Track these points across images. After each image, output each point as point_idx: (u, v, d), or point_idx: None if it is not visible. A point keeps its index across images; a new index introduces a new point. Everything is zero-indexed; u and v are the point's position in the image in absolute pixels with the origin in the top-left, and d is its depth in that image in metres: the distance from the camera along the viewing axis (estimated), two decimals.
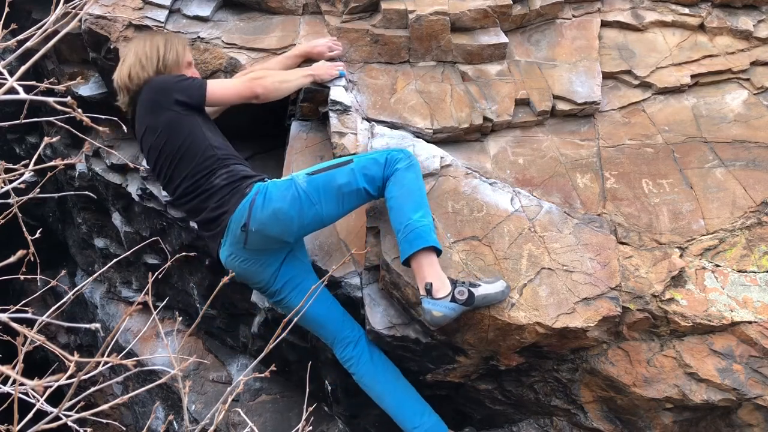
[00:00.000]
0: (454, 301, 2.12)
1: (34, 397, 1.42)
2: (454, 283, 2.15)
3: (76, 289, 1.92)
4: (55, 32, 1.36)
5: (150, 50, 2.37)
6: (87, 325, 1.12)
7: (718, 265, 2.42)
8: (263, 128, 3.08)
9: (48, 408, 1.32)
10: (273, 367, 1.69)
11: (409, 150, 2.41)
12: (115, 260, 2.24)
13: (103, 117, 2.14)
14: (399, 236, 2.21)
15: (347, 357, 2.44)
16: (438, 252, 2.18)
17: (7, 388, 1.45)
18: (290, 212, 2.17)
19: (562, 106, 2.81)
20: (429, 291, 2.12)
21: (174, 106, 2.27)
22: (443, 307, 2.11)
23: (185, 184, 2.29)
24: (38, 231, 1.87)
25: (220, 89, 2.37)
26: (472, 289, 2.14)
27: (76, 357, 1.00)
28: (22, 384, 0.90)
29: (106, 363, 1.10)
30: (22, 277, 1.78)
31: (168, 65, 2.38)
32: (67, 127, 1.81)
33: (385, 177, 2.25)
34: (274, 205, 2.16)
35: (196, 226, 2.46)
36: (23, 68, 1.16)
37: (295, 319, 1.71)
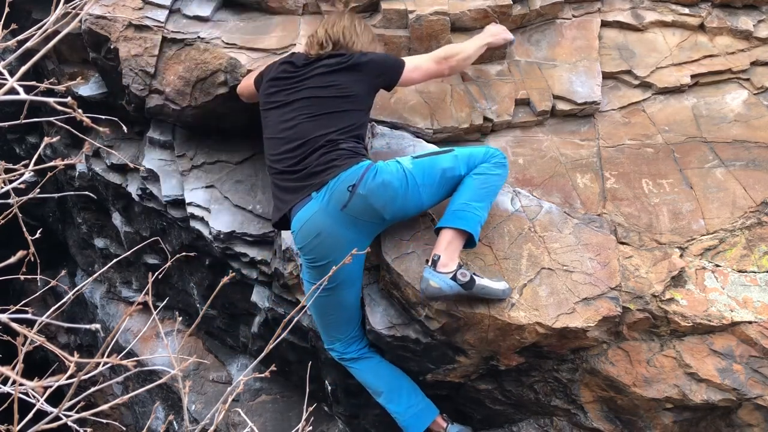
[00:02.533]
0: (454, 279, 2.14)
1: (34, 397, 1.42)
2: (461, 266, 2.19)
3: (76, 289, 1.92)
4: (56, 32, 1.36)
5: (359, 26, 2.48)
6: (87, 326, 1.12)
7: (718, 265, 2.42)
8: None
9: (48, 408, 1.32)
10: (273, 367, 1.69)
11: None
12: (115, 260, 2.24)
13: (103, 117, 2.13)
14: (450, 207, 2.26)
15: (355, 349, 2.47)
16: (471, 242, 2.23)
17: (7, 389, 1.45)
18: (398, 189, 2.19)
19: (562, 106, 2.81)
20: (435, 262, 2.17)
21: (375, 81, 2.37)
22: (442, 281, 2.14)
23: (314, 137, 2.25)
24: (38, 231, 1.86)
25: (412, 73, 2.44)
26: (474, 276, 2.18)
27: (76, 357, 1.00)
28: (22, 384, 0.91)
29: (106, 363, 1.10)
30: (22, 277, 1.78)
31: (365, 47, 2.46)
32: (67, 127, 1.81)
33: (481, 164, 2.31)
34: (385, 177, 2.17)
35: (276, 178, 2.35)
36: (23, 68, 1.16)
37: (298, 316, 1.71)
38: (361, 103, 2.34)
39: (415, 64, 2.45)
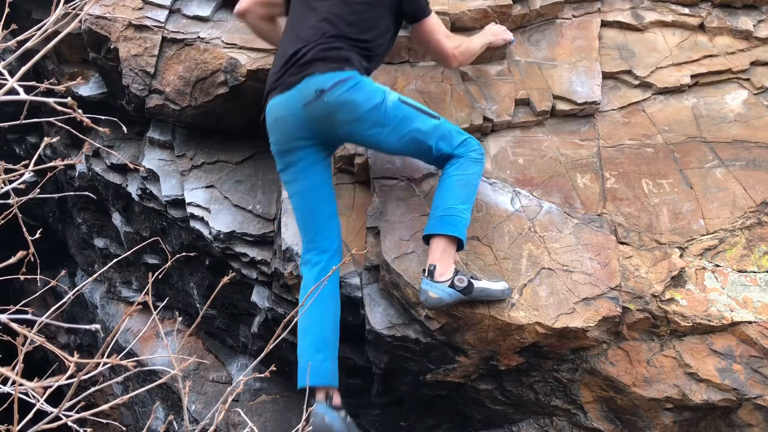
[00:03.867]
0: (452, 287, 2.14)
1: (34, 397, 1.43)
2: (457, 271, 2.18)
3: (76, 289, 1.92)
4: (56, 32, 1.36)
5: None
6: (87, 326, 1.12)
7: (718, 265, 2.42)
8: (263, 128, 3.08)
9: (48, 408, 1.32)
10: (273, 367, 1.69)
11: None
12: (115, 260, 2.24)
13: (103, 117, 2.14)
14: (435, 212, 2.23)
15: (305, 260, 2.37)
16: (459, 246, 2.21)
17: (7, 389, 1.45)
18: (363, 114, 2.17)
19: (562, 106, 2.81)
20: (431, 272, 2.15)
21: (398, 3, 2.33)
22: (440, 290, 2.14)
23: (334, 29, 2.23)
24: (38, 231, 1.87)
25: (434, 31, 2.41)
26: (472, 280, 2.18)
27: (76, 357, 1.00)
28: (22, 384, 0.91)
29: (106, 363, 1.10)
30: (22, 277, 1.78)
31: None
32: (67, 127, 1.81)
33: (452, 153, 2.27)
34: (355, 98, 2.15)
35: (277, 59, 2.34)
36: (24, 69, 1.16)
37: (298, 316, 1.71)
38: (383, 17, 2.31)
39: (440, 27, 2.44)
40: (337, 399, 2.26)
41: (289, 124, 2.23)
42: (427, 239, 2.24)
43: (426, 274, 2.17)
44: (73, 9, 1.59)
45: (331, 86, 2.13)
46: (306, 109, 2.17)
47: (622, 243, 2.46)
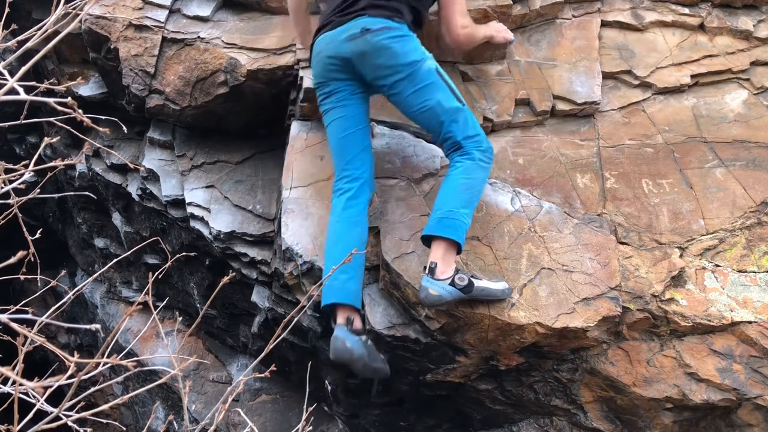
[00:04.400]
0: (452, 285, 2.14)
1: (34, 397, 1.43)
2: (457, 270, 2.18)
3: (76, 289, 1.92)
4: (56, 32, 1.36)
5: None
6: (87, 326, 1.12)
7: (718, 265, 2.43)
8: (263, 128, 3.08)
9: (48, 408, 1.32)
10: (273, 367, 1.69)
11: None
12: (115, 260, 2.24)
13: (103, 117, 2.14)
14: (435, 214, 2.24)
15: (335, 188, 2.42)
16: (458, 251, 2.22)
17: (7, 389, 1.45)
18: (397, 64, 2.25)
19: (562, 106, 2.81)
20: (432, 270, 2.16)
21: None
22: (441, 288, 2.14)
23: None
24: (38, 231, 1.86)
25: (454, 2, 2.49)
26: (472, 279, 2.18)
27: (76, 357, 1.00)
28: (22, 384, 0.91)
29: (106, 363, 1.10)
30: (22, 277, 1.78)
31: None
32: (67, 127, 1.81)
33: (459, 142, 2.28)
34: (396, 48, 2.25)
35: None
36: (24, 69, 1.16)
37: (298, 316, 1.71)
38: None
39: (462, 5, 2.50)
40: (358, 323, 2.26)
41: (328, 56, 2.32)
42: (425, 239, 2.24)
43: (426, 272, 2.17)
44: (73, 9, 1.59)
45: (378, 29, 2.23)
46: (347, 42, 2.26)
47: (622, 243, 2.46)
